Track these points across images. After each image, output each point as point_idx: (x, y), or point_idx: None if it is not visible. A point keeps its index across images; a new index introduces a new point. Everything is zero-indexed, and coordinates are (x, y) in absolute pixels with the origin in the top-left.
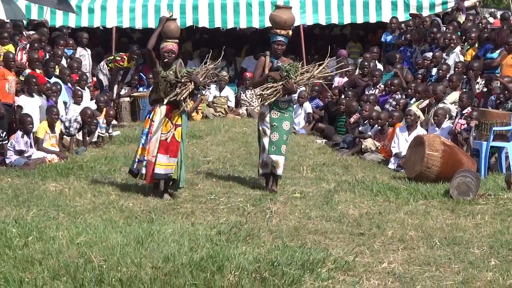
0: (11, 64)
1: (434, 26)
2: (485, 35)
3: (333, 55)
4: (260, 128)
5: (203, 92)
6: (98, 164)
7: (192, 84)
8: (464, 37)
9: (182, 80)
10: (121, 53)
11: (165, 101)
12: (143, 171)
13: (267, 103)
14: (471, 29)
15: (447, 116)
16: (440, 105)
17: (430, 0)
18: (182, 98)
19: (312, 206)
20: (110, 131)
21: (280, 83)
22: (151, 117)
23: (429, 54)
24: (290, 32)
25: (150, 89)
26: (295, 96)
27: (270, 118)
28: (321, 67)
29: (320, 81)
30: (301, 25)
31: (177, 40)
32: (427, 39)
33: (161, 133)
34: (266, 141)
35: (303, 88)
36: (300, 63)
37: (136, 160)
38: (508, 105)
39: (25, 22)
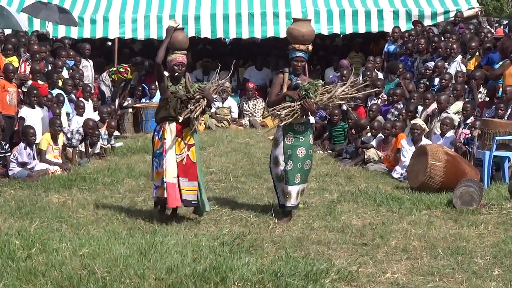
0: (11, 76)
1: (435, 36)
2: (487, 45)
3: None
4: (274, 155)
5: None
6: (101, 175)
7: (205, 100)
8: (465, 47)
9: (195, 96)
10: (124, 65)
11: (181, 118)
12: (165, 194)
13: (282, 124)
14: (472, 39)
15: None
16: (444, 114)
17: (432, 9)
18: (195, 116)
19: (315, 217)
20: (113, 142)
21: (298, 102)
22: (160, 136)
23: (431, 64)
24: (310, 47)
25: (156, 105)
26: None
27: (284, 145)
28: (343, 87)
29: (342, 102)
30: None
31: (185, 52)
32: (429, 49)
33: (176, 154)
34: (279, 170)
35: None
36: (322, 82)
37: (154, 187)
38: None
39: (26, 30)
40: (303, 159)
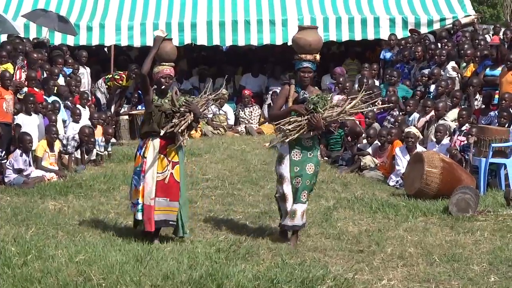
0: (7, 83)
1: (431, 43)
2: (484, 52)
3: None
4: (278, 172)
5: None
6: (97, 182)
7: (192, 115)
8: (459, 54)
9: (181, 110)
10: (120, 72)
11: (162, 132)
12: (139, 216)
13: (288, 140)
14: (468, 46)
15: (447, 132)
16: (441, 121)
17: (428, 17)
18: (179, 131)
19: (311, 224)
20: (110, 149)
21: (305, 117)
22: (142, 153)
23: (427, 71)
24: (318, 57)
25: (141, 121)
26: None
27: (291, 161)
28: (354, 101)
29: (352, 118)
30: None
31: (173, 64)
32: (426, 56)
33: (157, 173)
34: (287, 189)
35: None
36: (331, 95)
37: (132, 204)
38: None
39: (21, 34)
40: (312, 176)
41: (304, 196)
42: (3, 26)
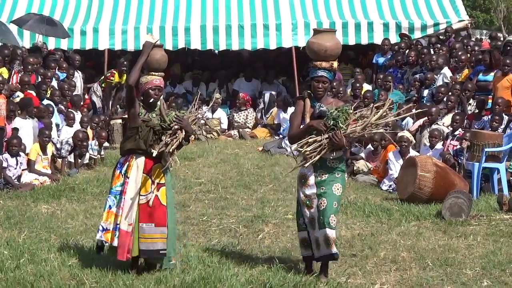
0: (0, 87)
1: (423, 48)
2: (479, 57)
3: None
4: (301, 195)
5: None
6: (90, 186)
7: (183, 132)
8: (452, 60)
9: (172, 127)
10: (111, 70)
11: (155, 153)
12: (115, 242)
13: (308, 164)
14: (461, 52)
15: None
16: (434, 126)
17: (422, 22)
18: (170, 151)
19: None
20: (103, 153)
21: (326, 135)
22: (124, 172)
23: (418, 76)
24: (335, 64)
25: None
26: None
27: (316, 181)
28: (380, 112)
29: (381, 130)
30: (293, 46)
31: (163, 74)
32: (419, 61)
33: (140, 195)
34: (314, 213)
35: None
36: (352, 107)
37: (100, 228)
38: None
39: (20, 44)
40: (338, 197)
41: (333, 220)
42: (6, 36)
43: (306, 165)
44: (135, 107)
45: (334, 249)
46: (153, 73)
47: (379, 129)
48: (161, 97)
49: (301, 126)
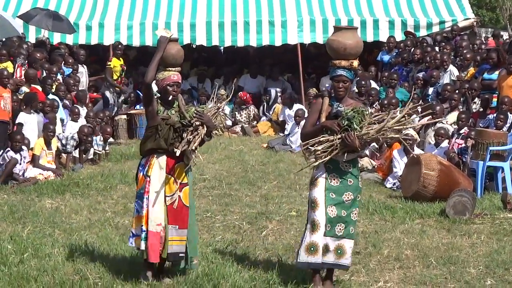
0: (5, 81)
1: (428, 46)
2: (484, 55)
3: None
4: (312, 196)
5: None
6: (94, 181)
7: (205, 128)
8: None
9: (194, 123)
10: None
11: (178, 152)
12: (142, 246)
13: (317, 163)
14: (467, 50)
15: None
16: (438, 125)
17: (428, 19)
18: (193, 148)
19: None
20: (107, 148)
21: (338, 136)
22: (145, 173)
23: (421, 74)
24: (355, 63)
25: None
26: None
27: (327, 185)
28: (398, 117)
29: (397, 136)
30: (298, 43)
31: (180, 68)
32: (425, 59)
33: (166, 196)
34: (319, 215)
35: (300, 107)
36: (370, 109)
37: (130, 234)
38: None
39: (21, 33)
40: (349, 207)
41: (352, 231)
42: (3, 30)
43: (315, 164)
44: (153, 105)
45: (348, 260)
46: (170, 68)
47: (395, 135)
48: (180, 94)
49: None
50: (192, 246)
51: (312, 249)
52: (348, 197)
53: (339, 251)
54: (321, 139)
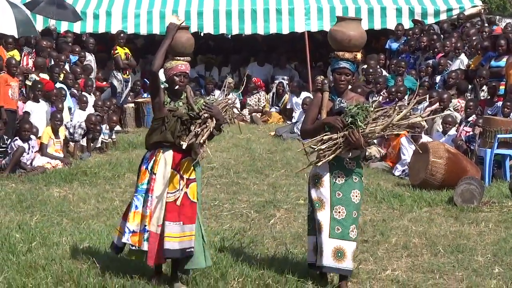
0: (13, 70)
1: (435, 34)
2: (485, 43)
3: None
4: (313, 196)
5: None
6: (102, 170)
7: (214, 121)
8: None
9: (202, 115)
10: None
11: (184, 145)
12: (144, 247)
13: (321, 163)
14: (474, 37)
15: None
16: (446, 112)
17: (435, 7)
18: (201, 142)
19: None
20: (114, 137)
21: (342, 133)
22: (150, 168)
23: (431, 61)
24: (359, 55)
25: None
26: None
27: (331, 184)
28: (404, 112)
29: (403, 132)
30: (306, 31)
31: (189, 58)
32: (436, 46)
33: (168, 193)
34: (323, 216)
35: (308, 95)
36: (374, 104)
37: (126, 230)
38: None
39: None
40: (358, 205)
41: (354, 232)
42: (24, 27)
43: (319, 164)
44: (159, 95)
45: (350, 264)
46: (178, 57)
47: (401, 130)
48: (188, 85)
49: (316, 121)
50: (200, 240)
51: (340, 255)
52: (355, 196)
53: (339, 254)
54: (324, 137)
